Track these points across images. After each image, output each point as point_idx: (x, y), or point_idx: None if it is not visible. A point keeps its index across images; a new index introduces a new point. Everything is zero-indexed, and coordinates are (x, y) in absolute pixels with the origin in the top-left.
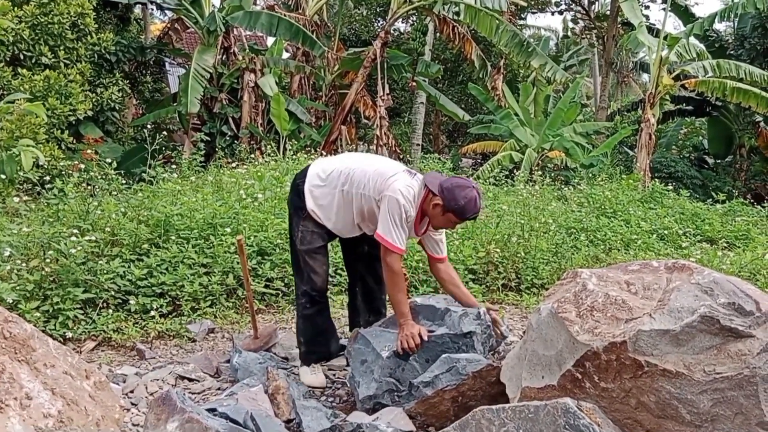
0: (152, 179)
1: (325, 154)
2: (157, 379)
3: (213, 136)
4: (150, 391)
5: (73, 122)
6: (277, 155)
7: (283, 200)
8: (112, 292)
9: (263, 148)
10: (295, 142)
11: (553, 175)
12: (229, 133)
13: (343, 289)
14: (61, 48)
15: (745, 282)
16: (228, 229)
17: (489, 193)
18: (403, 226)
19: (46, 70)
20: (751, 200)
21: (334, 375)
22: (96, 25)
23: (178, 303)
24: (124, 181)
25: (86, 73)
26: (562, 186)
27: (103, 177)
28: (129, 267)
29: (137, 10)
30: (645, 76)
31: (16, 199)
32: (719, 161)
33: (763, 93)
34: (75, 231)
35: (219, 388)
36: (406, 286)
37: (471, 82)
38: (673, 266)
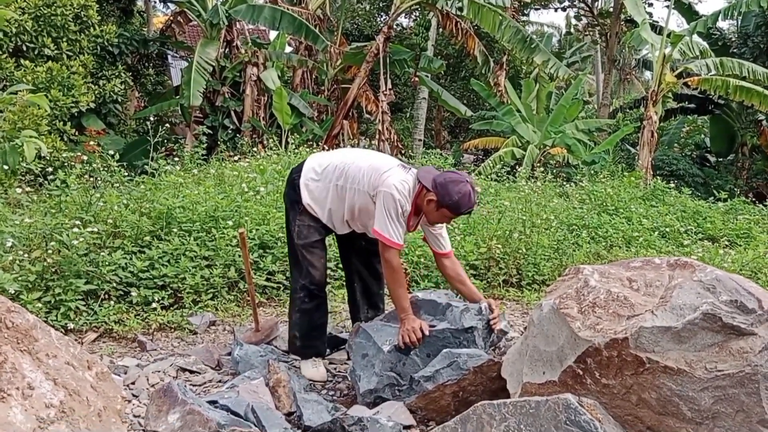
0: (154, 172)
1: (327, 148)
2: (159, 371)
3: (215, 130)
4: (151, 382)
5: (76, 114)
6: (279, 149)
7: None
8: (114, 284)
9: (265, 142)
10: (297, 136)
11: (554, 171)
12: (231, 127)
13: (344, 284)
14: (64, 40)
15: (748, 280)
16: (230, 222)
17: (491, 189)
18: (399, 221)
19: (48, 62)
20: (753, 199)
21: (335, 369)
22: (99, 17)
23: (179, 295)
24: (126, 174)
25: (89, 65)
26: (564, 183)
27: (106, 169)
28: (131, 259)
29: (140, 2)
30: (647, 74)
31: (19, 190)
32: (721, 159)
33: (766, 91)
34: (77, 222)
35: (220, 381)
36: (406, 281)
37: (473, 78)
38: (676, 263)
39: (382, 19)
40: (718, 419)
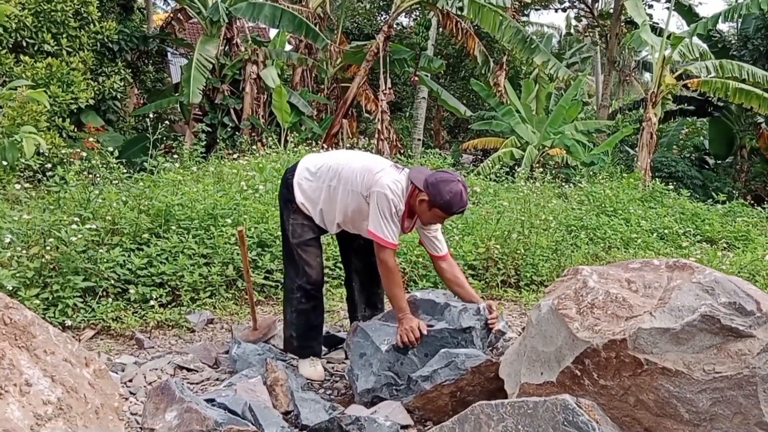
0: (153, 169)
1: (326, 147)
2: (156, 369)
3: (214, 127)
4: (149, 380)
5: (75, 110)
6: (278, 147)
7: None
8: (112, 281)
9: (264, 140)
10: (297, 135)
11: (553, 172)
12: (231, 125)
13: (341, 283)
14: (64, 36)
15: (746, 282)
16: (228, 220)
17: (489, 189)
18: (393, 221)
19: (48, 58)
20: (752, 201)
21: (333, 368)
22: (99, 14)
23: (177, 293)
24: (125, 171)
25: (88, 61)
26: (563, 184)
27: (105, 166)
28: (129, 256)
29: None
30: (647, 75)
31: (17, 186)
32: (720, 162)
33: (765, 94)
34: (75, 219)
35: (218, 379)
36: (402, 281)
37: (473, 78)
38: (674, 265)
39: (382, 18)
40: (716, 421)
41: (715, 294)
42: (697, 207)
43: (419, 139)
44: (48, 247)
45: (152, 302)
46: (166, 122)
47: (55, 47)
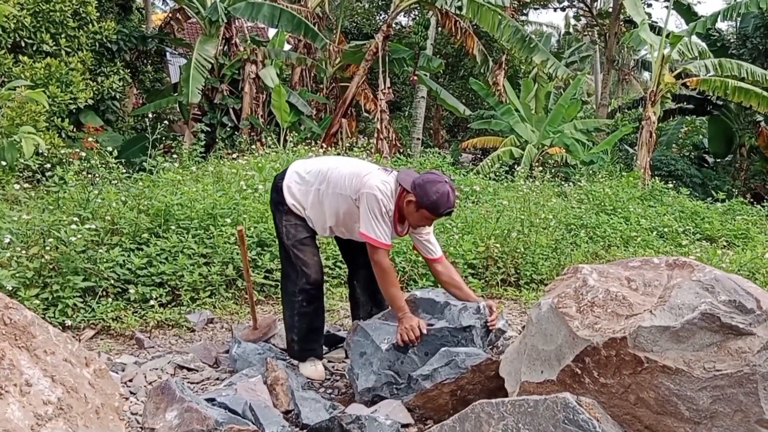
0: (152, 169)
1: (325, 146)
2: (156, 369)
3: (213, 127)
4: (149, 380)
5: (74, 110)
6: (277, 147)
7: None
8: (112, 281)
9: (263, 140)
10: (296, 134)
11: (553, 171)
12: (230, 124)
13: (343, 281)
14: (63, 36)
15: (746, 280)
16: (228, 220)
17: (489, 188)
18: (384, 221)
19: (47, 58)
20: (751, 199)
21: (333, 367)
22: (97, 14)
23: (177, 293)
24: (124, 170)
25: (87, 61)
26: (562, 182)
27: (104, 166)
28: (129, 256)
29: None
30: (646, 74)
31: (16, 187)
32: (719, 160)
33: (764, 93)
34: (75, 219)
35: (218, 378)
36: (397, 280)
37: (472, 77)
38: (674, 263)
39: (381, 18)
40: (716, 419)
41: (715, 292)
42: (696, 205)
43: (418, 139)
44: (47, 247)
45: (152, 302)
46: (165, 122)
47: (54, 47)
